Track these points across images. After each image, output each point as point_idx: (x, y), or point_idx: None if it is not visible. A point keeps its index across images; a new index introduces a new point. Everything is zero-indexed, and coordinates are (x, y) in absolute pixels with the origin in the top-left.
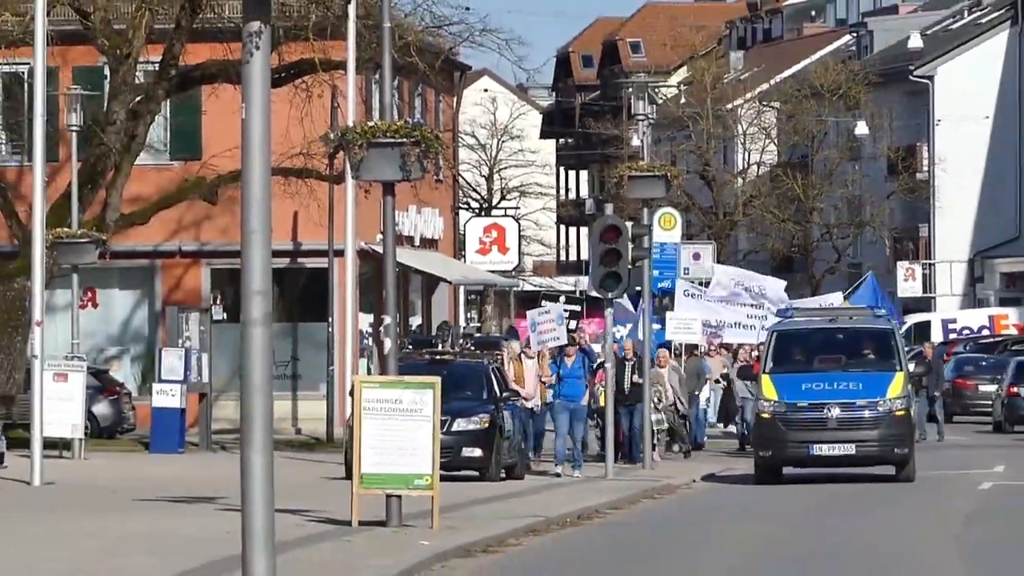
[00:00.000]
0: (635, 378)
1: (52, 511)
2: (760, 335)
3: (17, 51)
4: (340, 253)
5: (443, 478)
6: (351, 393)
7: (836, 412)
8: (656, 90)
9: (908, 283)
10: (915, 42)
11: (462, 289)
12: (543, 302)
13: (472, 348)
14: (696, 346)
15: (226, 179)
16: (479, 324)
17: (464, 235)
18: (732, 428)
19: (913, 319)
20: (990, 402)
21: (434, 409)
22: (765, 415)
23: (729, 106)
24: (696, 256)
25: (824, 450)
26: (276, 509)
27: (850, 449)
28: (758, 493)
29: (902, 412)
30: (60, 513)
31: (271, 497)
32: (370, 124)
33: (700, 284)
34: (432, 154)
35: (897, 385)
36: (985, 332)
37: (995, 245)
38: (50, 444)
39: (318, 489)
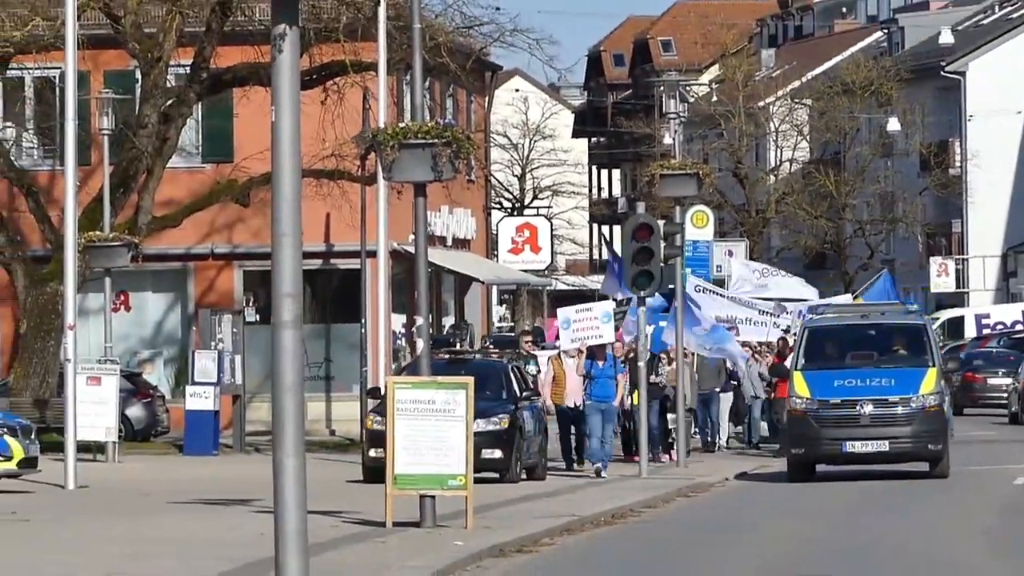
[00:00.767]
0: (652, 377)
1: (86, 514)
2: (771, 332)
3: (48, 55)
4: (372, 254)
5: None
6: (369, 393)
7: (869, 408)
8: (688, 88)
9: (941, 279)
10: (946, 38)
11: (495, 289)
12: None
13: (490, 346)
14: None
15: (258, 181)
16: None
17: (497, 235)
18: (740, 428)
19: (946, 314)
20: (999, 395)
21: (467, 409)
22: (797, 412)
23: (761, 104)
24: (729, 253)
25: (857, 447)
26: (309, 511)
27: (883, 446)
28: (791, 491)
29: (935, 408)
30: (94, 516)
31: (304, 499)
32: (401, 125)
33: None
34: (464, 154)
35: (930, 381)
36: (1019, 327)
37: None
38: (84, 447)
39: (352, 490)
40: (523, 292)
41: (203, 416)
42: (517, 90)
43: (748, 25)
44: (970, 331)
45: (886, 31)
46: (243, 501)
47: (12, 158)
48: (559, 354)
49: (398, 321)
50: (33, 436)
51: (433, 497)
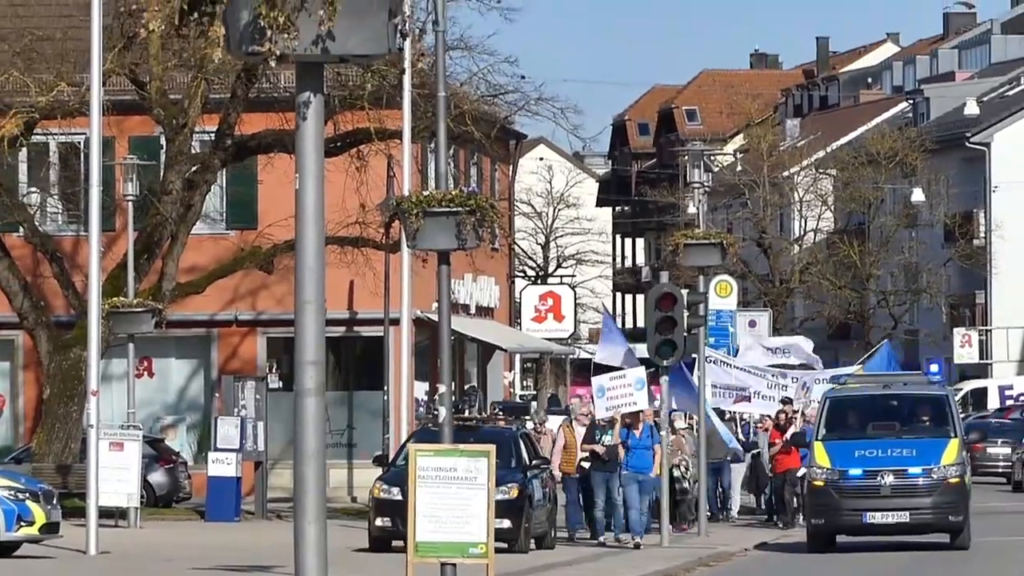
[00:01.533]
0: None
1: None
2: (777, 405)
3: (74, 121)
4: (396, 322)
5: None
6: (376, 461)
7: (890, 479)
8: (712, 158)
9: (965, 349)
10: (971, 109)
11: (518, 357)
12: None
13: (500, 414)
14: (723, 412)
15: (282, 248)
16: (535, 392)
17: (520, 303)
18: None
19: (970, 385)
20: (997, 463)
21: (489, 477)
22: (818, 482)
23: (785, 173)
24: (752, 323)
25: (878, 518)
26: None
27: (904, 517)
28: (813, 562)
29: (957, 480)
30: None
31: (324, 566)
32: (425, 193)
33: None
34: (488, 223)
35: (952, 452)
36: None
37: None
38: (106, 513)
39: (373, 557)
40: (546, 361)
41: (225, 482)
42: (541, 158)
43: (773, 95)
44: (993, 402)
45: (911, 102)
46: (264, 568)
47: (36, 223)
48: (570, 421)
49: (421, 389)
50: (55, 501)
51: (454, 565)
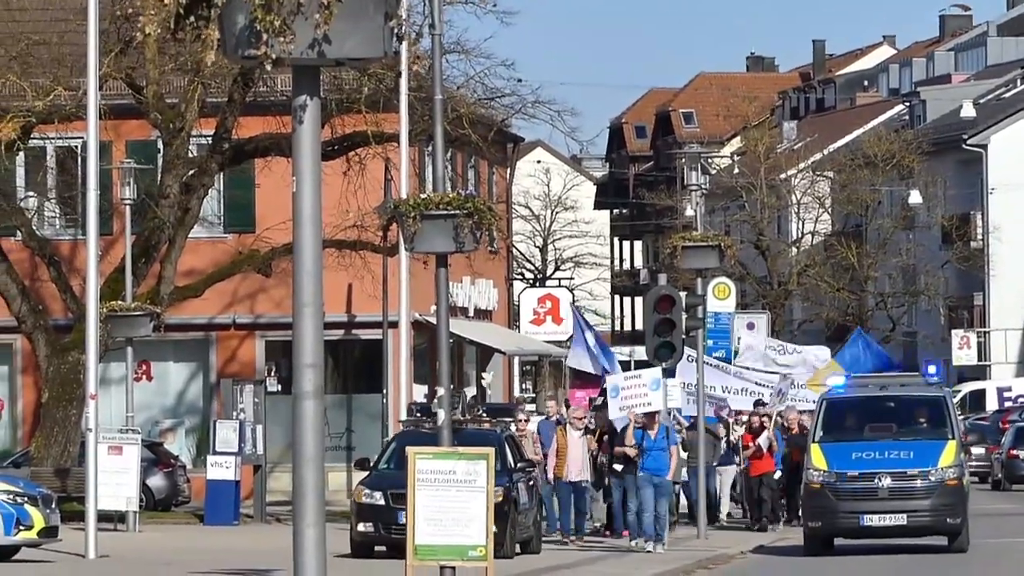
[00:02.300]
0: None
1: None
2: (763, 400)
3: (70, 125)
4: (394, 324)
5: None
6: (358, 465)
7: (887, 482)
8: (709, 160)
9: (963, 351)
10: (968, 111)
11: (517, 360)
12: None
13: (483, 415)
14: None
15: (280, 252)
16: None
17: (518, 306)
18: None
19: (968, 387)
20: (972, 463)
21: (488, 479)
22: (815, 485)
23: (783, 176)
24: (750, 326)
25: (875, 520)
26: None
27: (901, 519)
28: (812, 564)
29: (955, 481)
30: None
31: (323, 570)
32: (423, 196)
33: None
34: (485, 225)
35: (949, 454)
36: None
37: None
38: (105, 517)
39: (371, 561)
40: (545, 363)
41: (224, 486)
42: (539, 161)
43: (770, 97)
44: (991, 404)
45: (908, 104)
46: (263, 572)
47: (34, 227)
48: (564, 425)
49: (419, 391)
50: (54, 505)
51: (453, 568)
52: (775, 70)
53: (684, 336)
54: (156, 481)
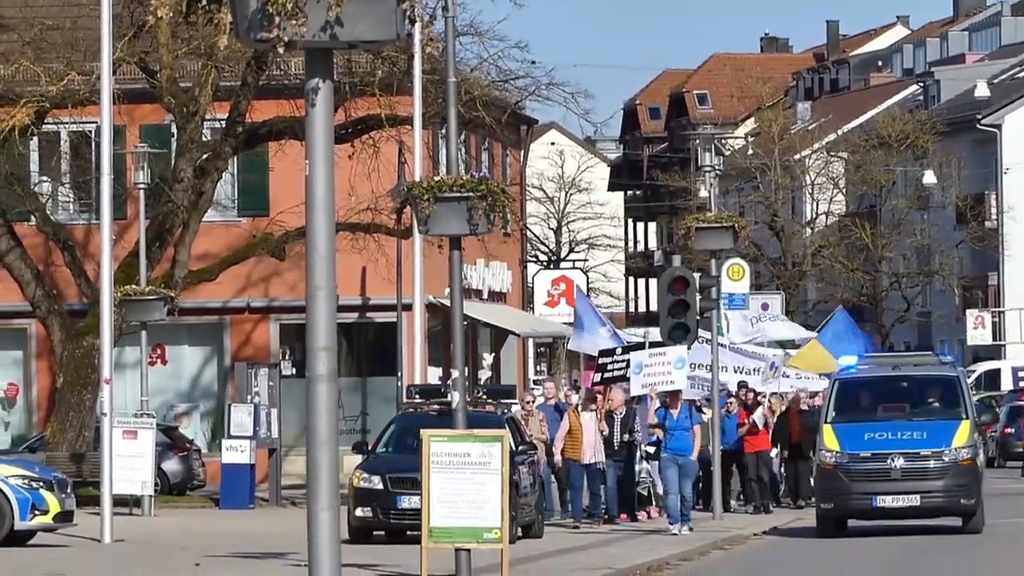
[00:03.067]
0: (625, 436)
1: (123, 569)
2: (755, 382)
3: (84, 110)
4: (408, 307)
5: None
6: (355, 448)
7: (900, 462)
8: (723, 141)
9: (978, 331)
10: (982, 91)
11: (531, 342)
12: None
13: (484, 397)
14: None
15: (294, 235)
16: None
17: (532, 288)
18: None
19: (983, 367)
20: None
21: (503, 462)
22: (827, 466)
23: (797, 156)
24: (765, 306)
25: (888, 501)
26: (346, 564)
27: (915, 500)
28: (824, 546)
29: (968, 462)
30: (131, 571)
31: (338, 552)
32: (437, 179)
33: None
34: (499, 207)
35: (963, 434)
36: None
37: None
38: (120, 501)
39: (371, 547)
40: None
41: (239, 470)
42: (553, 143)
43: (784, 78)
44: (1006, 383)
45: (922, 84)
46: (278, 555)
47: (48, 212)
48: (576, 407)
49: (434, 374)
50: (69, 490)
51: (468, 550)
52: (789, 51)
53: (698, 317)
54: (171, 465)
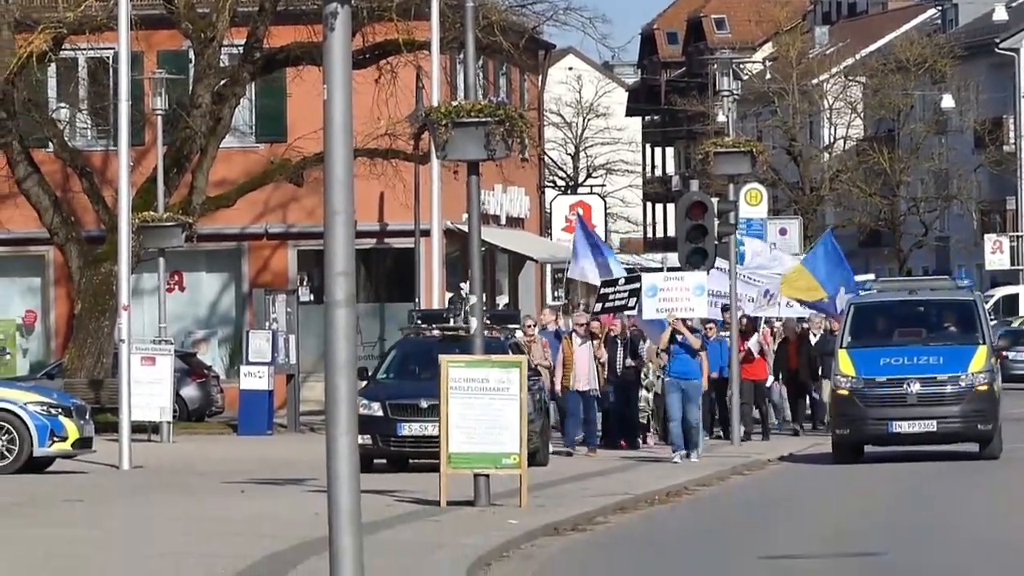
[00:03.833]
0: (628, 361)
1: (141, 495)
2: (755, 309)
3: (102, 36)
4: (426, 233)
5: None
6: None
7: (916, 387)
8: (741, 66)
9: (996, 256)
10: (1000, 15)
11: (549, 267)
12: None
13: (487, 323)
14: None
15: (312, 161)
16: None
17: (550, 213)
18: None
19: (1001, 292)
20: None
21: (521, 387)
22: (842, 391)
23: (815, 81)
24: (783, 231)
25: (904, 427)
26: (364, 490)
27: (931, 426)
28: (842, 471)
29: (985, 387)
30: (149, 496)
31: (357, 477)
32: (454, 104)
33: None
34: (517, 133)
35: (980, 359)
36: None
37: None
38: (138, 428)
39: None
40: None
41: (257, 396)
42: (570, 68)
43: (802, 2)
44: None
45: (940, 8)
46: (297, 481)
47: (66, 139)
48: (570, 334)
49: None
50: (88, 416)
51: (487, 476)
52: None
53: (716, 242)
54: (189, 391)
